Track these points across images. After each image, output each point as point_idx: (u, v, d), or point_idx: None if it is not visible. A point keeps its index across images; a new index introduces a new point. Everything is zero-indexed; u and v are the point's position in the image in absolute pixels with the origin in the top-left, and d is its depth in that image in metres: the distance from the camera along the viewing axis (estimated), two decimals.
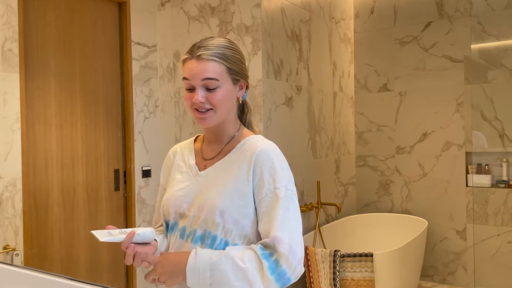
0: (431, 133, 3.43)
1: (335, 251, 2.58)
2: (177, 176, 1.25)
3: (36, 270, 1.38)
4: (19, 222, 2.18)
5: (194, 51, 1.15)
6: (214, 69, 1.13)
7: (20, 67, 2.20)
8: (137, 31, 2.79)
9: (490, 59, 3.18)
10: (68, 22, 2.44)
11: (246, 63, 1.25)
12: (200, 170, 1.22)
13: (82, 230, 2.47)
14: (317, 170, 3.15)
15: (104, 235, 1.07)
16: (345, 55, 3.63)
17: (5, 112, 2.14)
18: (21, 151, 2.19)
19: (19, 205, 2.18)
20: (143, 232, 1.13)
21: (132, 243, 1.10)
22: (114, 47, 2.69)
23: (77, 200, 2.45)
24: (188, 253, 1.09)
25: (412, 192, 3.52)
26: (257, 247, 1.08)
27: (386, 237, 3.39)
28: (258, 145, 1.17)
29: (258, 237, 1.15)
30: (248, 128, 1.28)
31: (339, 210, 3.04)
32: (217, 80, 1.13)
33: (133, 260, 1.10)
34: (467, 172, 3.29)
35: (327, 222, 3.29)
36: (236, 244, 1.12)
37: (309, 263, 2.67)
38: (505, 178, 3.13)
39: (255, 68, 2.55)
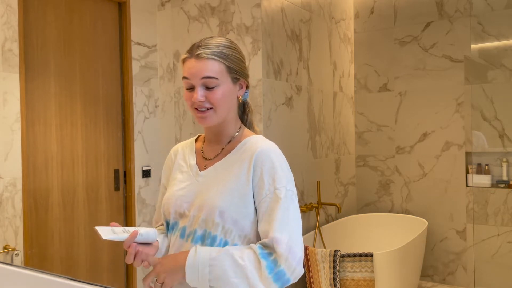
0: (431, 133, 3.43)
1: (335, 251, 2.58)
2: (177, 176, 1.25)
3: (36, 270, 1.38)
4: (19, 222, 2.18)
5: (194, 50, 1.15)
6: (213, 67, 1.13)
7: (20, 67, 2.20)
8: (137, 31, 2.79)
9: (490, 59, 3.18)
10: (68, 22, 2.44)
11: (246, 63, 1.25)
12: (200, 170, 1.22)
13: (82, 230, 2.47)
14: (317, 170, 3.15)
15: (107, 233, 1.07)
16: (345, 55, 3.63)
17: (5, 112, 2.14)
18: (21, 151, 2.19)
19: (19, 205, 2.18)
20: (146, 232, 1.13)
21: (134, 242, 1.10)
22: (114, 47, 2.69)
23: (77, 200, 2.45)
24: (188, 251, 1.10)
25: (412, 192, 3.52)
26: (256, 246, 1.08)
27: (386, 237, 3.39)
28: (258, 145, 1.17)
29: (258, 237, 1.15)
30: (249, 128, 1.28)
31: (339, 210, 3.04)
32: (216, 78, 1.13)
33: (134, 259, 1.11)
34: (467, 172, 3.29)
35: (327, 222, 3.29)
36: (235, 244, 1.12)
37: (309, 263, 2.67)
38: (505, 178, 3.13)
39: (255, 68, 2.55)
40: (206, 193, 1.15)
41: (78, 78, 2.48)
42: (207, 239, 1.12)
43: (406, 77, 3.52)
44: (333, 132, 3.41)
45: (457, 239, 3.31)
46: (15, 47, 2.18)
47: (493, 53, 3.17)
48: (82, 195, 2.47)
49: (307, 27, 3.04)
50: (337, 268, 2.56)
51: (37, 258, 2.25)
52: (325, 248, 3.02)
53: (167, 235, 1.26)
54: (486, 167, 3.20)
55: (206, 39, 1.18)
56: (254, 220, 1.14)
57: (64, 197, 2.39)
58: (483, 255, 3.19)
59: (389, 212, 3.61)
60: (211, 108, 1.15)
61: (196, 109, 1.15)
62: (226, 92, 1.15)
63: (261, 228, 1.12)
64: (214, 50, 1.14)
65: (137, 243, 1.11)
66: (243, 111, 1.29)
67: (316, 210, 3.06)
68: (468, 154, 3.29)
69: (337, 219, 3.40)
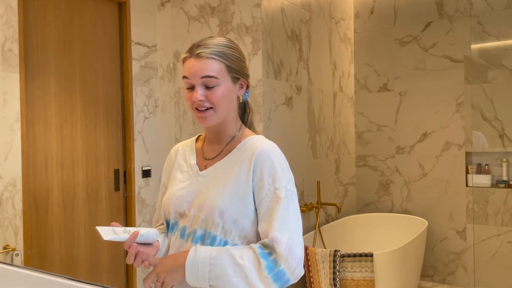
0: (431, 133, 3.43)
1: (335, 251, 2.58)
2: (178, 175, 1.25)
3: (36, 270, 1.38)
4: (19, 222, 2.18)
5: (194, 50, 1.15)
6: (213, 67, 1.13)
7: (20, 67, 2.20)
8: (137, 31, 2.79)
9: (490, 59, 3.18)
10: (68, 22, 2.44)
11: (246, 63, 1.25)
12: (200, 169, 1.22)
13: (82, 230, 2.47)
14: (317, 170, 3.15)
15: (108, 233, 1.07)
16: (345, 55, 3.63)
17: (5, 112, 2.14)
18: (21, 151, 2.19)
19: (19, 205, 2.18)
20: (146, 232, 1.13)
21: (135, 243, 1.10)
22: (114, 47, 2.69)
23: (77, 200, 2.45)
24: (188, 250, 1.10)
25: (412, 192, 3.52)
26: (256, 246, 1.08)
27: (386, 237, 3.39)
28: (259, 145, 1.17)
29: (258, 237, 1.14)
30: (250, 128, 1.28)
31: (339, 210, 3.04)
32: (216, 78, 1.13)
33: (134, 259, 1.11)
34: (467, 172, 3.29)
35: (327, 222, 3.29)
36: (235, 244, 1.12)
37: (309, 263, 2.67)
38: (505, 178, 3.13)
39: (255, 68, 2.55)
40: (206, 193, 1.15)
41: (78, 78, 2.48)
42: (207, 239, 1.12)
43: (406, 77, 3.52)
44: (333, 132, 3.41)
45: (457, 239, 3.31)
46: (15, 47, 2.18)
47: (493, 53, 3.17)
48: (82, 195, 2.47)
49: (307, 27, 3.04)
50: (337, 268, 2.56)
51: (37, 258, 2.25)
52: (325, 248, 3.02)
53: (167, 235, 1.26)
54: (486, 167, 3.20)
55: (207, 38, 1.18)
56: (254, 220, 1.13)
57: (64, 197, 2.39)
58: (483, 255, 3.19)
59: (389, 212, 3.61)
60: (211, 107, 1.15)
61: (196, 108, 1.15)
62: (226, 92, 1.15)
63: (261, 228, 1.11)
64: (214, 50, 1.14)
65: (137, 243, 1.11)
66: (244, 111, 1.29)
67: (316, 210, 3.06)
68: (468, 154, 3.29)
69: (337, 219, 3.40)
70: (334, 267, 2.56)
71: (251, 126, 1.29)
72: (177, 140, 2.84)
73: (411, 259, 2.91)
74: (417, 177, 3.50)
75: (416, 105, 3.49)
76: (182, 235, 1.17)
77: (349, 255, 2.56)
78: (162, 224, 1.30)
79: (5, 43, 2.15)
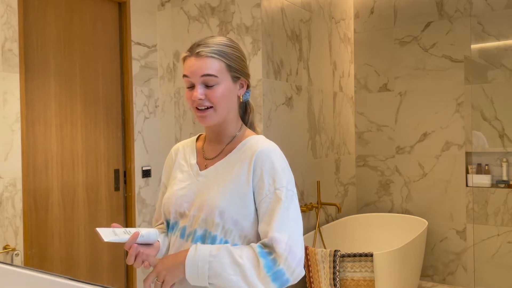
0: (431, 133, 3.43)
1: (335, 251, 2.58)
2: (178, 175, 1.25)
3: (36, 270, 1.38)
4: (19, 222, 2.18)
5: (194, 49, 1.15)
6: (213, 65, 1.13)
7: (20, 67, 2.20)
8: (137, 31, 2.79)
9: (490, 59, 3.18)
10: (68, 22, 2.44)
11: (247, 63, 1.24)
12: (201, 169, 1.22)
13: (82, 230, 2.47)
14: (317, 170, 3.15)
15: (108, 235, 1.07)
16: (345, 55, 3.63)
17: (5, 112, 2.14)
18: (21, 151, 2.19)
19: (19, 205, 2.18)
20: (147, 233, 1.13)
21: (135, 243, 1.10)
22: (114, 47, 2.69)
23: (77, 200, 2.45)
24: (188, 249, 1.10)
25: (412, 192, 3.52)
26: (256, 245, 1.08)
27: (386, 237, 3.39)
28: (259, 145, 1.16)
29: (258, 237, 1.14)
30: (250, 128, 1.28)
31: (339, 210, 3.04)
32: (216, 76, 1.13)
33: (135, 260, 1.11)
34: (467, 172, 3.29)
35: (327, 222, 3.29)
36: (235, 244, 1.12)
37: (309, 263, 2.67)
38: (505, 178, 3.13)
39: (255, 68, 2.55)
40: (207, 193, 1.15)
41: (78, 78, 2.48)
42: (207, 239, 1.12)
43: (406, 77, 3.52)
44: (333, 132, 3.41)
45: (457, 239, 3.31)
46: (15, 47, 2.18)
47: (493, 53, 3.17)
48: (82, 195, 2.47)
49: (307, 27, 3.04)
50: (337, 268, 2.56)
51: (37, 258, 2.25)
52: (325, 248, 3.02)
53: (167, 235, 1.26)
54: (486, 167, 3.20)
55: (207, 38, 1.18)
56: (254, 221, 1.13)
57: (64, 197, 2.39)
58: (483, 255, 3.19)
59: (389, 212, 3.61)
60: (211, 107, 1.15)
61: (197, 108, 1.15)
62: (226, 91, 1.15)
63: (261, 228, 1.11)
64: (214, 49, 1.14)
65: (138, 244, 1.11)
66: (245, 111, 1.29)
67: (316, 210, 3.06)
68: (468, 154, 3.29)
69: (337, 219, 3.40)
70: (334, 267, 2.56)
71: (251, 126, 1.29)
72: (177, 140, 2.84)
73: (411, 259, 2.91)
74: (417, 177, 3.50)
75: (416, 105, 3.49)
76: (182, 235, 1.17)
77: (349, 255, 2.56)
78: (162, 223, 1.30)
79: (5, 43, 2.15)
